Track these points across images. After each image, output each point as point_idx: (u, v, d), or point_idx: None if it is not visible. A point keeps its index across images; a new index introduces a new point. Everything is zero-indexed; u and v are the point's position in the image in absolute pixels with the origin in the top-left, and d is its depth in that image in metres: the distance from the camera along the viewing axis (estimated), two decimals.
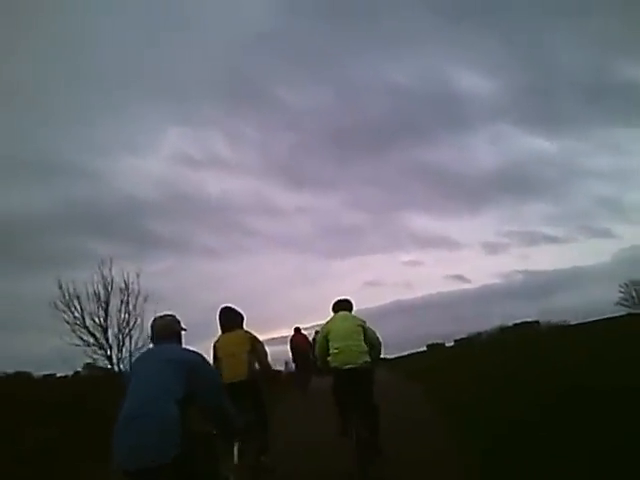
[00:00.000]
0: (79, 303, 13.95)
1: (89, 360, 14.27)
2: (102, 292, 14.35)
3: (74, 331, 13.71)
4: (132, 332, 14.43)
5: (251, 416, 4.69)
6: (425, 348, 32.54)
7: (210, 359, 4.78)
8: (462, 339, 31.27)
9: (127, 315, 14.45)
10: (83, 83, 48.65)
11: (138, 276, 14.78)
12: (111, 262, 14.69)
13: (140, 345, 14.13)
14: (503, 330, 28.11)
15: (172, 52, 56.48)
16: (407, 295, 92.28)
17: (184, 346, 3.31)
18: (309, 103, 63.28)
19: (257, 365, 5.15)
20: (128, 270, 14.88)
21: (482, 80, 69.02)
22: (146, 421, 2.71)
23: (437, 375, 12.67)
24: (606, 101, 65.70)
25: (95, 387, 11.20)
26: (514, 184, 67.45)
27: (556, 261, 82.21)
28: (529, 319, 29.25)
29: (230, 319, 5.28)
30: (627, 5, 47.61)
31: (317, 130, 66.36)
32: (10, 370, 15.45)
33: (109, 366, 14.15)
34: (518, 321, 29.28)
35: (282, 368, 20.38)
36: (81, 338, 13.81)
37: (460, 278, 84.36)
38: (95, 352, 14.02)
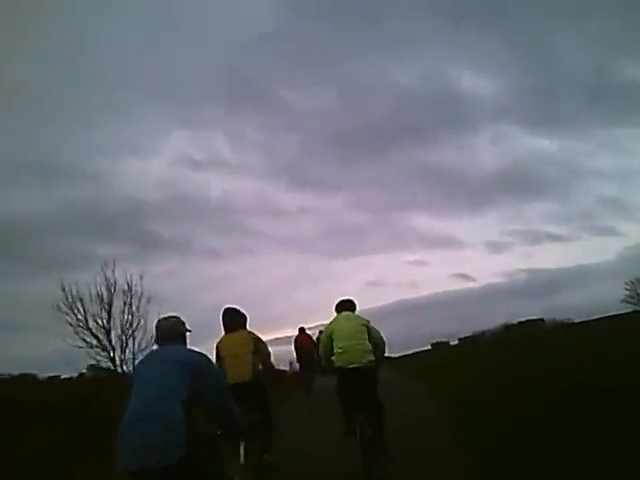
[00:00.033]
0: (82, 305, 13.96)
1: (92, 362, 14.28)
2: (105, 294, 14.35)
3: (77, 333, 13.73)
4: (135, 333, 14.43)
5: (255, 416, 4.68)
6: (430, 347, 32.53)
7: (214, 360, 4.77)
8: (466, 337, 31.25)
9: (130, 316, 14.45)
10: (83, 83, 48.89)
11: (141, 278, 14.77)
12: (114, 264, 14.67)
13: (143, 346, 14.13)
14: (508, 328, 28.08)
15: (173, 52, 56.74)
16: (411, 294, 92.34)
17: (189, 347, 3.31)
18: (311, 104, 63.40)
19: (260, 365, 5.15)
20: (131, 271, 14.89)
21: (484, 80, 69.07)
22: (150, 422, 2.71)
23: (441, 373, 12.65)
24: (607, 101, 65.63)
25: (99, 388, 11.23)
26: (517, 184, 67.53)
27: (560, 259, 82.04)
28: (533, 317, 29.19)
29: (233, 320, 5.28)
30: (627, 5, 47.51)
31: (319, 131, 66.46)
32: (15, 372, 15.52)
33: (112, 368, 14.15)
34: (522, 319, 29.22)
35: (287, 368, 20.40)
36: (84, 340, 13.82)
37: (464, 277, 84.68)
38: (98, 354, 14.03)
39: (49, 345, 13.95)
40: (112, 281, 14.43)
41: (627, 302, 35.21)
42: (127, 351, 14.27)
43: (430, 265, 76.94)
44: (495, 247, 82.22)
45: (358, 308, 5.82)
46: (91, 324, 13.91)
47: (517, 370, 9.54)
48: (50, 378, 15.37)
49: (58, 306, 13.58)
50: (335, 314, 5.70)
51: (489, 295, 56.40)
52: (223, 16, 59.42)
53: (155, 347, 3.35)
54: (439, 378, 11.71)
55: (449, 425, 6.63)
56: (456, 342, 32.21)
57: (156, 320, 3.40)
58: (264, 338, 5.36)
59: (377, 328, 5.59)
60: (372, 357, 5.22)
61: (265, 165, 64.70)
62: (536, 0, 57.47)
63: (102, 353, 13.97)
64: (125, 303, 14.44)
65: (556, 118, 63.95)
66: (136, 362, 13.20)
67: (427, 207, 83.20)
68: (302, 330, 14.13)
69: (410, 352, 30.74)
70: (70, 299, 13.78)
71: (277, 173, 69.99)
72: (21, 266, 23.84)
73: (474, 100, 60.96)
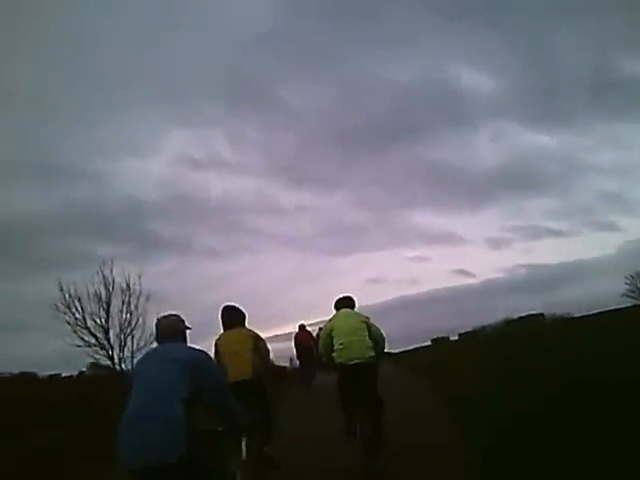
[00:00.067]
0: (80, 304, 13.89)
1: (92, 360, 14.28)
2: (103, 293, 14.29)
3: (75, 332, 13.67)
4: (134, 332, 14.37)
5: (256, 414, 4.68)
6: (430, 342, 32.59)
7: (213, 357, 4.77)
8: (467, 333, 31.31)
9: (129, 315, 14.39)
10: (83, 83, 48.59)
11: (140, 277, 14.70)
12: (112, 263, 14.62)
13: (142, 345, 14.10)
14: (508, 323, 28.12)
15: (173, 52, 56.48)
16: (411, 291, 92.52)
17: (189, 345, 3.30)
18: (311, 103, 63.22)
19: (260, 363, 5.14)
20: (130, 270, 14.81)
21: (484, 78, 68.76)
22: (151, 421, 2.71)
23: (441, 369, 12.68)
24: (607, 96, 65.41)
25: (100, 387, 11.24)
26: (517, 180, 67.48)
27: (560, 254, 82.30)
28: (534, 312, 29.24)
29: (232, 317, 5.27)
30: (627, 2, 47.30)
31: (319, 130, 66.26)
32: (15, 371, 15.52)
33: (112, 366, 14.15)
34: (523, 314, 29.26)
35: (287, 364, 20.45)
36: (82, 339, 13.77)
37: (464, 273, 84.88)
38: (97, 352, 14.00)
39: (49, 344, 13.95)
40: (110, 280, 14.39)
41: (627, 296, 35.33)
42: (126, 349, 14.26)
43: (430, 261, 76.88)
44: (495, 243, 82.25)
45: (358, 305, 5.84)
46: (89, 323, 13.90)
47: (517, 365, 9.55)
48: (50, 377, 15.37)
49: (56, 305, 13.55)
50: (334, 311, 5.69)
51: (489, 290, 56.53)
52: (222, 16, 59.15)
53: (155, 345, 3.33)
54: (439, 374, 11.73)
55: (449, 421, 6.64)
56: (456, 338, 32.28)
57: (156, 318, 3.40)
58: (264, 335, 5.37)
59: (377, 324, 5.59)
60: (373, 353, 5.23)
61: (265, 164, 64.61)
62: None
63: (101, 352, 13.98)
64: (123, 302, 14.41)
65: (556, 114, 63.82)
66: (135, 360, 13.27)
67: (427, 204, 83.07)
68: (302, 327, 14.18)
69: (410, 348, 30.86)
70: (68, 298, 13.75)
71: (277, 172, 69.92)
72: (21, 266, 23.82)
73: (474, 97, 60.88)
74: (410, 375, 13.75)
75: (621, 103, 64.57)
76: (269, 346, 5.36)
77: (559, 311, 27.58)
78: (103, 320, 14.07)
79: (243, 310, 5.37)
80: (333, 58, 63.49)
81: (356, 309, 5.74)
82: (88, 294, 13.99)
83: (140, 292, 14.49)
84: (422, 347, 30.55)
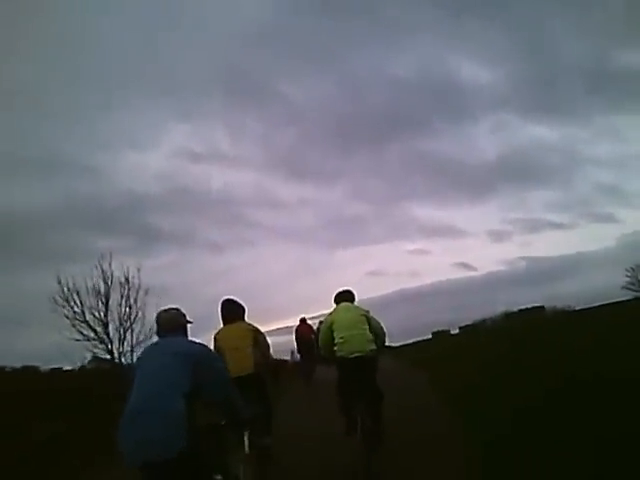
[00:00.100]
0: (79, 297, 13.73)
1: (91, 354, 14.21)
2: (102, 286, 14.12)
3: (74, 326, 13.52)
4: (133, 326, 14.22)
5: (258, 408, 4.69)
6: (430, 336, 32.63)
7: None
8: (467, 326, 31.34)
9: (128, 309, 14.24)
10: (83, 79, 48.63)
11: (139, 270, 14.54)
12: (111, 256, 14.47)
13: (141, 339, 13.98)
14: (508, 316, 28.12)
15: (173, 47, 56.37)
16: (412, 284, 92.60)
17: (190, 339, 3.30)
18: (311, 96, 63.03)
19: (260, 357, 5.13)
20: (129, 264, 14.65)
21: (483, 70, 68.74)
22: (151, 416, 2.71)
23: (442, 363, 12.67)
24: (606, 89, 65.28)
25: (101, 380, 11.27)
26: (517, 172, 67.46)
27: (560, 247, 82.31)
28: (534, 305, 29.24)
29: (232, 311, 5.26)
30: None
31: (319, 122, 66.21)
32: (17, 365, 15.57)
33: (114, 359, 14.11)
34: (523, 307, 29.26)
35: (288, 358, 20.49)
36: (81, 333, 13.61)
37: (465, 266, 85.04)
38: (96, 346, 13.85)
39: (49, 338, 13.86)
40: (109, 273, 14.23)
41: (628, 289, 35.32)
42: (125, 344, 14.11)
43: (431, 254, 77.21)
44: (496, 236, 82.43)
45: (358, 298, 5.82)
46: (88, 317, 13.76)
47: (518, 359, 9.54)
48: (52, 370, 15.41)
49: (54, 299, 13.43)
50: (334, 305, 5.69)
51: (490, 283, 56.64)
52: (221, 10, 58.96)
53: (156, 339, 3.32)
54: (439, 367, 11.73)
55: (450, 415, 6.64)
56: (457, 331, 32.32)
57: (156, 312, 3.38)
58: (264, 329, 5.37)
59: (377, 318, 5.58)
60: (374, 346, 5.23)
61: (264, 157, 64.62)
62: None
63: (100, 346, 13.84)
64: (122, 296, 14.26)
65: (555, 106, 63.76)
66: (135, 354, 13.28)
67: (427, 196, 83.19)
68: (303, 320, 14.21)
69: (411, 341, 30.92)
70: (67, 292, 13.60)
71: (277, 165, 69.92)
72: (21, 259, 23.82)
73: (474, 89, 60.76)
74: (410, 369, 13.76)
75: (620, 95, 64.37)
76: (269, 340, 5.35)
77: (559, 304, 27.58)
78: (102, 314, 13.96)
79: (243, 304, 5.36)
80: (332, 51, 63.39)
81: (356, 303, 5.73)
82: (87, 288, 13.88)
83: (139, 286, 14.39)
84: (422, 340, 30.58)
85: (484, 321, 30.07)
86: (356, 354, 5.08)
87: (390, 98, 64.51)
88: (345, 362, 5.15)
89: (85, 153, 50.43)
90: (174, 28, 56.46)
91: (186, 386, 2.84)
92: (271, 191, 61.59)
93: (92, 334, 13.70)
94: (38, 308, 14.46)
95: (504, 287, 54.20)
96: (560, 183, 73.10)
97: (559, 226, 72.58)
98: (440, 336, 30.95)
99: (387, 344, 6.57)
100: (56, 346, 13.05)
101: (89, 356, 14.26)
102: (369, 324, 5.34)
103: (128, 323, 14.13)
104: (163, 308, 3.37)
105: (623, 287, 35.31)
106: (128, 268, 14.37)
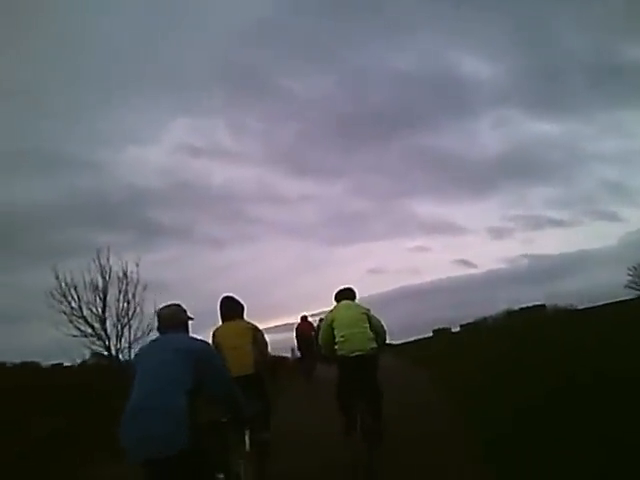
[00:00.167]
0: (76, 293, 13.53)
1: (89, 350, 14.01)
2: (100, 281, 13.89)
3: (72, 322, 13.34)
4: (131, 322, 13.99)
5: (257, 405, 4.67)
6: (431, 334, 32.60)
7: None
8: (468, 324, 31.24)
9: (126, 304, 14.01)
10: (84, 75, 48.49)
11: (137, 265, 14.24)
12: (108, 251, 14.18)
13: (139, 335, 13.80)
14: (510, 314, 28.04)
15: (174, 43, 56.15)
16: (412, 281, 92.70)
17: (191, 335, 3.28)
18: (312, 92, 62.79)
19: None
20: (128, 259, 14.35)
21: (485, 65, 68.46)
22: (153, 412, 2.70)
23: (443, 361, 12.67)
24: (609, 84, 64.75)
25: (102, 376, 11.28)
26: (518, 168, 67.24)
27: (562, 245, 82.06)
28: (535, 303, 29.13)
29: (231, 309, 5.24)
30: None
31: (320, 118, 66.10)
32: (17, 360, 15.53)
33: (112, 356, 13.99)
34: (524, 305, 29.16)
35: (289, 355, 20.49)
36: (79, 329, 13.44)
37: (466, 263, 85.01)
38: (93, 343, 13.68)
39: (48, 334, 13.73)
40: (107, 268, 13.99)
41: (630, 288, 35.17)
42: (122, 340, 13.90)
43: (432, 251, 76.98)
44: (497, 233, 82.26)
45: (359, 295, 5.81)
46: (85, 312, 13.58)
47: (519, 357, 9.51)
48: (53, 366, 15.36)
49: (52, 294, 13.22)
50: (335, 303, 5.66)
51: (491, 281, 56.51)
52: (223, 5, 58.70)
53: (156, 335, 3.29)
54: (440, 365, 11.72)
55: (451, 414, 6.62)
56: (458, 329, 32.26)
57: (157, 308, 3.37)
58: (264, 326, 5.35)
59: (377, 316, 5.56)
60: (374, 345, 5.21)
61: (266, 153, 64.44)
62: None
63: (97, 342, 13.66)
64: (120, 291, 14.02)
65: (558, 102, 63.37)
66: (132, 351, 13.21)
67: (428, 193, 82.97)
68: (304, 318, 14.25)
69: (412, 339, 30.91)
70: (64, 287, 13.39)
71: (278, 161, 69.82)
72: (23, 256, 23.80)
73: (475, 85, 60.48)
74: (411, 366, 13.77)
75: (623, 90, 63.76)
76: (267, 338, 5.33)
77: (561, 302, 27.48)
78: (100, 309, 13.76)
79: (242, 302, 5.33)
80: (334, 47, 63.24)
81: (357, 301, 5.71)
82: (84, 283, 13.67)
83: (138, 281, 14.12)
84: (423, 338, 30.58)
85: (485, 319, 29.97)
86: (357, 353, 5.06)
87: (391, 93, 64.34)
88: (346, 361, 5.13)
89: (86, 149, 50.60)
90: (175, 24, 56.39)
91: (188, 383, 2.83)
92: (272, 187, 61.49)
93: (89, 330, 13.52)
94: (37, 304, 14.32)
95: (505, 285, 54.05)
96: (562, 180, 72.68)
97: (561, 223, 72.40)
98: (441, 334, 30.90)
99: (388, 342, 6.56)
100: (55, 342, 13.00)
101: (87, 352, 14.13)
102: (370, 322, 5.32)
103: (126, 319, 13.91)
104: (164, 304, 3.35)
105: (626, 286, 35.18)
106: (126, 263, 14.15)
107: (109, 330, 13.79)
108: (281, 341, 20.36)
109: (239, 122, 64.02)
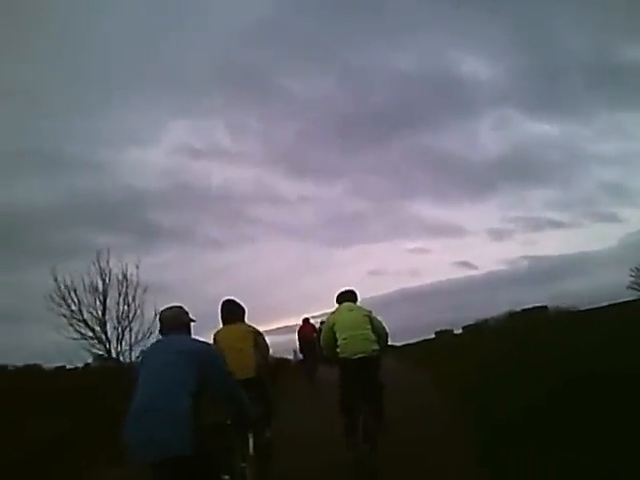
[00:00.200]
0: (76, 295, 13.39)
1: (90, 353, 13.90)
2: (100, 284, 13.72)
3: (72, 325, 13.23)
4: (131, 325, 13.83)
5: (259, 407, 4.70)
6: (434, 335, 32.57)
7: None
8: (470, 325, 31.19)
9: (126, 307, 13.86)
10: (85, 75, 48.56)
11: (137, 267, 14.05)
12: (108, 253, 14.02)
13: (140, 338, 13.67)
14: (511, 316, 27.98)
15: (173, 44, 56.22)
16: (413, 283, 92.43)
17: (193, 337, 3.29)
18: (312, 92, 62.69)
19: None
20: (127, 261, 14.16)
21: (485, 65, 68.42)
22: (157, 414, 2.71)
23: (445, 362, 12.66)
24: (609, 84, 64.47)
25: (106, 379, 11.29)
26: (518, 169, 66.99)
27: (562, 246, 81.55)
28: (537, 305, 29.07)
29: (232, 312, 5.26)
30: None
31: (320, 119, 66.09)
32: (19, 363, 15.50)
33: (116, 358, 13.93)
34: (526, 307, 29.10)
35: (291, 357, 20.50)
36: (79, 332, 13.33)
37: (466, 265, 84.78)
38: (94, 346, 13.57)
39: (49, 337, 13.63)
40: (107, 271, 13.81)
41: (633, 289, 35.04)
42: (123, 343, 13.76)
43: (432, 253, 76.82)
44: (497, 234, 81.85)
45: (360, 297, 5.82)
46: (85, 315, 13.45)
47: (521, 359, 9.51)
48: (56, 369, 15.32)
49: (51, 296, 13.04)
50: (336, 305, 5.68)
51: (492, 283, 56.29)
52: (223, 4, 58.79)
53: (158, 337, 3.32)
54: (443, 367, 11.72)
55: (452, 415, 6.64)
56: (460, 330, 32.22)
57: (160, 310, 3.37)
58: (265, 328, 5.38)
59: (379, 318, 5.57)
60: (377, 347, 5.22)
61: (266, 154, 64.33)
62: None
63: (98, 345, 13.54)
64: (120, 293, 13.85)
65: (558, 102, 63.16)
66: (133, 354, 13.16)
67: (428, 194, 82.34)
68: (306, 320, 14.27)
69: (414, 341, 30.86)
70: (63, 289, 13.23)
71: (277, 161, 69.66)
72: (23, 256, 23.77)
73: (475, 86, 60.32)
74: (413, 368, 13.77)
75: (625, 91, 63.46)
76: (268, 341, 5.36)
77: (562, 304, 27.41)
78: (100, 312, 13.62)
79: (243, 305, 5.35)
80: (333, 47, 63.23)
81: (358, 302, 5.73)
82: (84, 285, 13.53)
83: (138, 283, 13.95)
84: (425, 340, 30.55)
85: (487, 321, 29.93)
86: (359, 355, 5.07)
87: (391, 94, 64.14)
88: (348, 363, 5.13)
89: (86, 150, 50.45)
90: (175, 24, 56.36)
91: (192, 384, 2.84)
92: (272, 188, 61.29)
93: (90, 333, 13.40)
94: (37, 305, 14.21)
95: (506, 286, 53.84)
96: (562, 181, 72.57)
97: (561, 225, 71.96)
98: (443, 336, 30.82)
99: (390, 344, 6.58)
100: (55, 345, 12.88)
101: (87, 356, 14.05)
102: (372, 324, 5.33)
103: (126, 322, 13.76)
104: (166, 306, 3.36)
105: (629, 287, 35.05)
106: (126, 265, 13.99)
107: (109, 333, 13.65)
108: (283, 343, 20.37)
109: (239, 122, 64.05)
